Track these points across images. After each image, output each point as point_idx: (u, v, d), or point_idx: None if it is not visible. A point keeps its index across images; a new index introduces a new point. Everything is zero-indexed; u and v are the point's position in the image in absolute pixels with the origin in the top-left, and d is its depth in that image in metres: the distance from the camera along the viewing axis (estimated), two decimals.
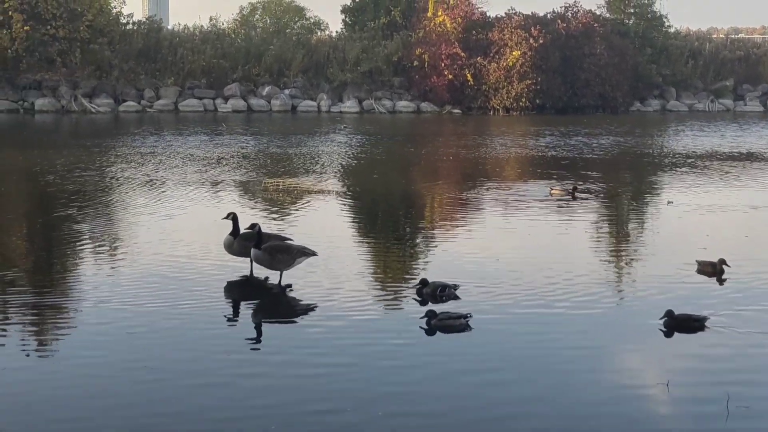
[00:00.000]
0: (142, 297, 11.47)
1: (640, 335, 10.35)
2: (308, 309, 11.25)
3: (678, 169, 27.27)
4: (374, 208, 20.35)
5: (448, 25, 57.17)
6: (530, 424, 7.92)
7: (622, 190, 23.33)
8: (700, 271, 13.14)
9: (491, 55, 56.12)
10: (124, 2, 63.49)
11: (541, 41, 55.23)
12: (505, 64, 55.31)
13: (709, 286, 12.57)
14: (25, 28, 50.86)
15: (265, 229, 13.14)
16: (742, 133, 42.46)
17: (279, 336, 10.37)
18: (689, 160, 29.42)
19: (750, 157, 31.32)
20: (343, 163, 28.38)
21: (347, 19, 63.50)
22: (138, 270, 12.94)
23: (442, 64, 55.63)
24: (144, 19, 60.65)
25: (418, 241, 16.52)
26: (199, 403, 8.19)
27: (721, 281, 12.77)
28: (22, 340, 9.87)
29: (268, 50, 57.25)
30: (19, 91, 52.51)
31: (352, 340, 9.95)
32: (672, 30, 65.36)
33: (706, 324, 10.44)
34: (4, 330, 10.20)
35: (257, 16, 65.02)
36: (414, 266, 13.82)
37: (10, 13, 50.95)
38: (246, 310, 11.55)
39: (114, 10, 57.00)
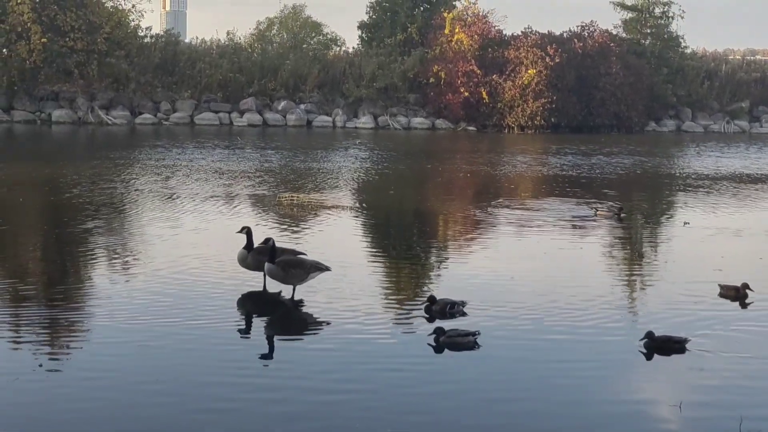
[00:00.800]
0: (154, 310, 11.45)
1: (653, 358, 10.24)
2: (318, 324, 11.22)
3: (697, 190, 27.10)
4: (389, 225, 20.31)
5: (464, 42, 57.32)
6: None
7: (641, 209, 23.17)
8: (722, 295, 12.91)
9: (507, 73, 56.21)
10: (143, 16, 64.11)
11: (557, 60, 55.27)
12: (520, 82, 55.38)
13: (726, 308, 12.44)
14: (43, 39, 51.32)
15: (278, 243, 13.13)
16: (761, 155, 42.29)
17: (289, 351, 10.34)
18: (706, 182, 29.26)
19: None
20: (358, 178, 28.39)
21: (364, 36, 63.83)
22: (151, 282, 12.93)
23: (458, 81, 55.77)
24: (162, 33, 61.10)
25: (431, 258, 16.45)
26: (213, 419, 8.17)
27: (744, 305, 12.62)
28: (36, 350, 9.86)
29: (284, 65, 57.53)
30: (36, 102, 52.93)
31: (360, 358, 9.90)
32: (688, 51, 65.40)
33: (687, 346, 10.29)
34: (18, 340, 10.20)
35: (274, 31, 65.41)
36: (426, 284, 13.77)
37: (28, 24, 51.40)
38: (258, 324, 11.52)
39: (132, 24, 57.52)
